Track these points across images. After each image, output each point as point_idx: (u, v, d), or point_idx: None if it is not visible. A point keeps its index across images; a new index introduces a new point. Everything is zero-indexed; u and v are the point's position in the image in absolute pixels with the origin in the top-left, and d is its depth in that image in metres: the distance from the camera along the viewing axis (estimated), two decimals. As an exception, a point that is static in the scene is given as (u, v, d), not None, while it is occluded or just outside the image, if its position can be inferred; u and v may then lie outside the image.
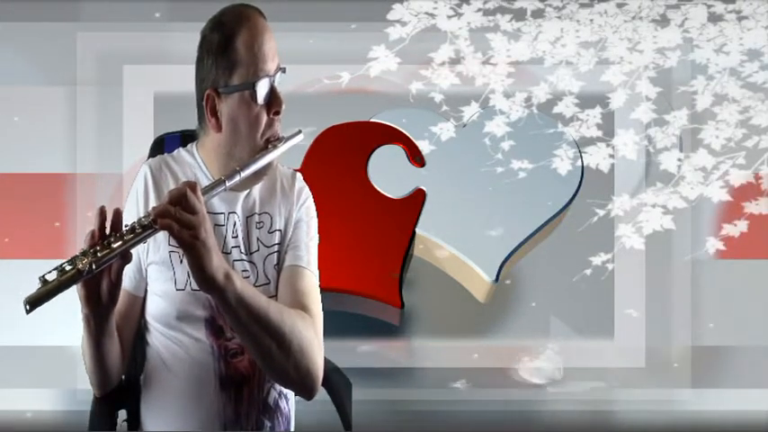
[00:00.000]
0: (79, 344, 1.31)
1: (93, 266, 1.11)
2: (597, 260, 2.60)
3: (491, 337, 2.65)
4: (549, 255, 2.64)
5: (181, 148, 1.45)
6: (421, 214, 2.57)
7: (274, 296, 1.36)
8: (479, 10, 2.77)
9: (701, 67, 2.74)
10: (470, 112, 2.72)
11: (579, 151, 2.67)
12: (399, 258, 2.50)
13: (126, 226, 1.15)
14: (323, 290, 1.41)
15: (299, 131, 1.41)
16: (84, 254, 1.11)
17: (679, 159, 2.68)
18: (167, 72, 2.57)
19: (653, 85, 2.72)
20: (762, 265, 2.65)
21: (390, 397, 2.56)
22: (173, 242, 1.31)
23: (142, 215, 1.29)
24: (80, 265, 1.10)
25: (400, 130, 2.67)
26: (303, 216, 1.42)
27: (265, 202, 1.41)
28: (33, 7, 2.70)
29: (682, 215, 2.64)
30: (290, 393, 1.43)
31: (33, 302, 1.08)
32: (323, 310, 1.38)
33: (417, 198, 2.59)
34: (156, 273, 1.35)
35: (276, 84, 1.34)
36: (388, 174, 2.63)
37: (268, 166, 1.35)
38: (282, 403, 1.42)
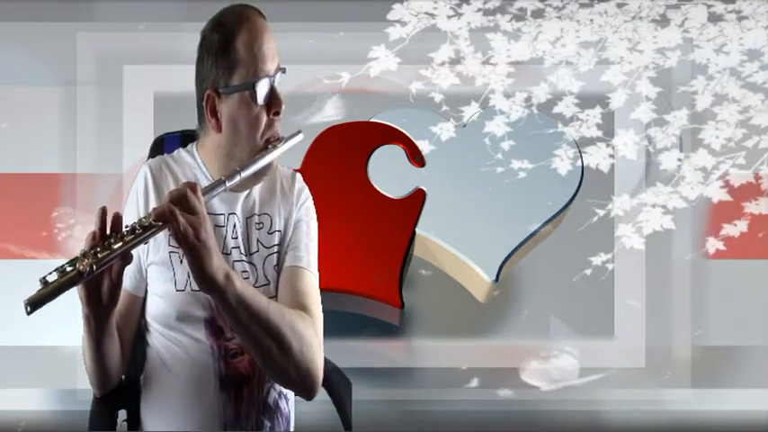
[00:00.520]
0: (79, 344, 1.31)
1: (94, 267, 1.11)
2: (597, 260, 2.60)
3: (491, 337, 2.65)
4: (549, 255, 2.64)
5: (181, 149, 1.45)
6: (421, 214, 2.57)
7: (274, 297, 1.36)
8: (479, 10, 2.77)
9: (701, 67, 2.73)
10: (470, 112, 2.71)
11: (579, 151, 2.66)
12: (399, 258, 2.50)
13: (126, 227, 1.15)
14: (323, 290, 1.41)
15: (299, 132, 1.41)
16: (84, 255, 1.12)
17: (679, 159, 2.68)
18: (167, 72, 2.57)
19: (653, 85, 2.72)
20: (762, 265, 2.65)
21: (390, 397, 2.56)
22: (173, 243, 1.31)
23: (142, 216, 1.29)
24: (81, 267, 1.10)
25: (400, 130, 2.67)
26: (303, 217, 1.43)
27: (265, 202, 1.41)
28: (33, 7, 2.70)
29: (682, 215, 2.64)
30: (290, 393, 1.44)
31: (34, 304, 1.08)
32: (323, 310, 1.38)
33: (417, 198, 2.59)
34: (156, 273, 1.36)
35: (276, 84, 1.34)
36: (388, 174, 2.63)
37: (268, 166, 1.35)
38: (282, 403, 1.42)
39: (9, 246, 2.62)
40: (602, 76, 2.74)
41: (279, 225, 1.40)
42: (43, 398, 2.52)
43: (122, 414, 1.45)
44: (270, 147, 1.35)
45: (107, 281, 1.17)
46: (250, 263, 1.37)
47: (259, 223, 1.40)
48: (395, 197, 2.60)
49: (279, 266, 1.39)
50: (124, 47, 2.72)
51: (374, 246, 2.52)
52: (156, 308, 1.37)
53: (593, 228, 2.62)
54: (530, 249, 2.60)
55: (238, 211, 1.39)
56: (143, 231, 1.14)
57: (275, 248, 1.39)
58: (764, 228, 2.64)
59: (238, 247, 1.37)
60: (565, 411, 2.58)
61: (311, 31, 2.71)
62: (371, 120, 2.69)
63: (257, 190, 1.41)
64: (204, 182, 1.37)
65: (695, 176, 2.66)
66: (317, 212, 1.47)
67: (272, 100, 1.33)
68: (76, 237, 2.60)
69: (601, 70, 2.74)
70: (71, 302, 1.18)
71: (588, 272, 2.60)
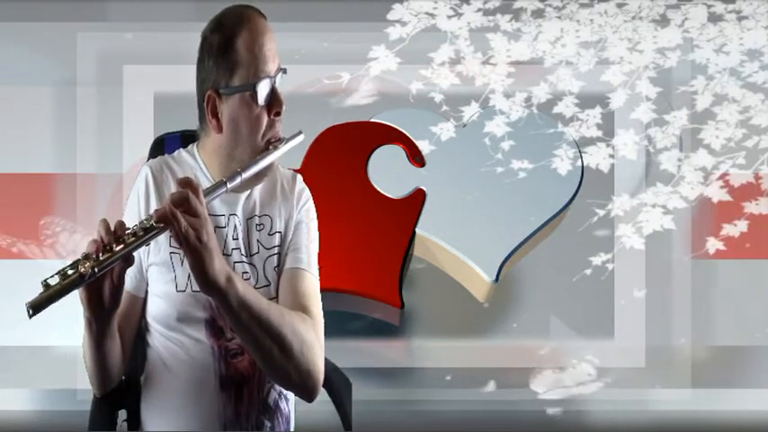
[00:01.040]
0: (79, 344, 1.31)
1: (96, 270, 1.11)
2: (597, 260, 2.60)
3: (491, 337, 2.65)
4: (549, 255, 2.64)
5: (181, 149, 1.44)
6: (421, 214, 2.57)
7: (275, 298, 1.36)
8: (479, 10, 2.77)
9: (701, 67, 2.74)
10: (470, 112, 2.72)
11: (579, 151, 2.67)
12: (399, 258, 2.50)
13: (128, 229, 1.15)
14: (323, 290, 1.41)
15: (300, 132, 1.41)
16: (86, 258, 1.11)
17: (679, 159, 2.68)
18: (167, 72, 2.57)
19: (653, 85, 2.72)
20: (762, 265, 2.65)
21: (390, 397, 2.56)
22: (174, 243, 1.31)
23: (143, 217, 1.29)
24: (82, 269, 1.10)
25: (400, 130, 2.67)
26: (303, 218, 1.42)
27: (266, 204, 1.41)
28: (33, 7, 2.70)
29: (682, 215, 2.64)
30: (291, 394, 1.43)
31: (36, 307, 1.07)
32: (323, 310, 1.38)
33: (417, 198, 2.59)
34: (156, 274, 1.35)
35: (277, 85, 1.34)
36: (388, 174, 2.63)
37: (269, 167, 1.35)
38: (282, 403, 1.42)
39: (9, 246, 2.62)
40: (602, 76, 2.74)
41: (279, 226, 1.40)
42: (43, 398, 2.52)
43: (122, 414, 1.44)
44: (271, 147, 1.35)
45: (109, 283, 1.17)
46: (251, 264, 1.37)
47: (260, 224, 1.40)
48: (395, 197, 2.60)
49: (279, 268, 1.39)
50: (124, 47, 2.72)
51: (374, 246, 2.52)
52: (156, 308, 1.37)
53: (593, 228, 2.62)
54: (530, 249, 2.61)
55: (239, 212, 1.39)
56: (144, 234, 1.14)
57: (276, 250, 1.39)
58: (764, 228, 2.64)
59: (239, 249, 1.37)
60: (565, 411, 2.58)
61: (311, 31, 2.71)
62: (371, 120, 2.70)
63: (258, 191, 1.41)
64: (205, 182, 1.37)
65: (695, 176, 2.66)
66: (317, 212, 1.47)
67: (273, 100, 1.33)
68: (76, 237, 2.59)
69: (601, 70, 2.74)
70: (71, 303, 1.18)
71: (588, 272, 2.60)
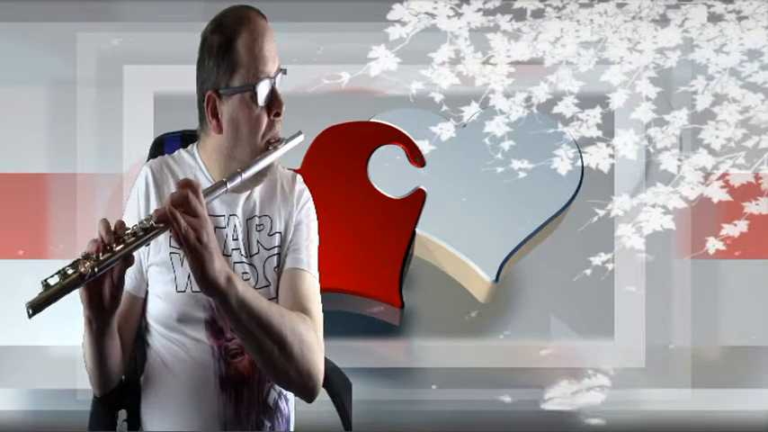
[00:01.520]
0: (79, 344, 1.31)
1: (96, 270, 1.11)
2: (597, 260, 2.60)
3: (491, 337, 2.65)
4: (549, 255, 2.64)
5: (182, 149, 1.44)
6: (421, 214, 2.57)
7: (275, 298, 1.36)
8: (479, 10, 2.77)
9: (701, 67, 2.74)
10: (470, 112, 2.72)
11: (579, 151, 2.67)
12: (399, 258, 2.50)
13: (128, 229, 1.15)
14: (323, 290, 1.41)
15: (300, 133, 1.41)
16: (86, 257, 1.11)
17: (679, 159, 2.68)
18: (167, 72, 2.57)
19: (653, 85, 2.72)
20: (762, 265, 2.65)
21: (390, 397, 2.56)
22: (174, 244, 1.31)
23: (143, 216, 1.29)
24: (82, 269, 1.10)
25: (400, 130, 2.67)
26: (303, 218, 1.42)
27: (265, 204, 1.41)
28: (33, 7, 2.70)
29: (682, 215, 2.64)
30: (291, 394, 1.44)
31: (36, 306, 1.08)
32: (323, 310, 1.38)
33: (417, 198, 2.59)
34: (156, 274, 1.35)
35: (277, 85, 1.34)
36: (388, 174, 2.63)
37: (269, 167, 1.35)
38: (282, 404, 1.42)
39: (9, 246, 2.62)
40: (602, 76, 2.74)
41: (279, 227, 1.40)
42: (43, 398, 2.52)
43: (122, 414, 1.44)
44: (271, 148, 1.35)
45: (109, 283, 1.17)
46: (250, 264, 1.37)
47: (260, 225, 1.40)
48: (395, 197, 2.60)
49: (279, 268, 1.39)
50: (124, 47, 2.72)
51: (374, 246, 2.52)
52: (156, 309, 1.37)
53: (593, 228, 2.62)
54: (530, 249, 2.60)
55: (239, 212, 1.39)
56: (144, 234, 1.14)
57: (275, 250, 1.39)
58: (765, 228, 2.64)
59: (239, 249, 1.37)
60: (565, 411, 2.58)
61: (311, 31, 2.71)
62: (371, 120, 2.70)
63: (258, 191, 1.41)
64: (205, 182, 1.37)
65: (695, 176, 2.66)
66: (317, 212, 1.47)
67: (273, 101, 1.33)
68: (76, 237, 2.59)
69: (601, 70, 2.74)
70: (71, 303, 1.18)
71: (588, 272, 2.60)
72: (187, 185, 1.16)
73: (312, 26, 2.72)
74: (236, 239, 1.37)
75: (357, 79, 2.73)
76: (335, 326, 1.53)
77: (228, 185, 1.26)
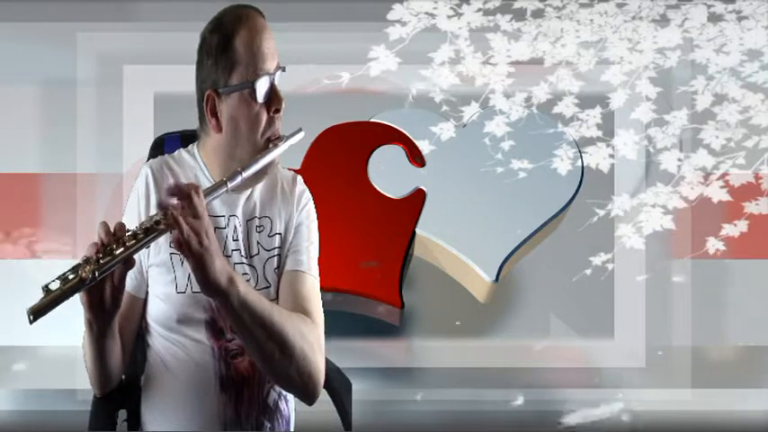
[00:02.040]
0: (79, 344, 1.31)
1: (96, 274, 1.11)
2: (597, 260, 2.60)
3: (491, 337, 2.65)
4: (549, 255, 2.64)
5: (182, 149, 1.44)
6: (421, 214, 2.57)
7: (275, 299, 1.36)
8: (479, 10, 2.77)
9: (701, 67, 2.74)
10: (470, 112, 2.72)
11: (579, 151, 2.67)
12: (399, 258, 2.50)
13: (128, 231, 1.15)
14: (323, 290, 1.41)
15: (300, 130, 1.40)
16: (86, 261, 1.11)
17: (679, 159, 2.68)
18: (167, 72, 2.57)
19: (653, 85, 2.72)
20: (762, 265, 2.65)
21: (390, 397, 2.56)
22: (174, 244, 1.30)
23: (143, 216, 1.29)
24: (83, 274, 1.10)
25: (400, 130, 2.67)
26: (303, 220, 1.42)
27: (266, 205, 1.41)
28: (33, 7, 2.70)
29: (682, 215, 2.64)
30: (290, 394, 1.43)
31: (37, 312, 1.07)
32: (323, 310, 1.38)
33: (417, 198, 2.59)
34: (156, 275, 1.35)
35: (276, 82, 1.34)
36: (388, 174, 2.63)
37: (270, 165, 1.34)
38: (282, 404, 1.42)
39: (8, 246, 2.62)
40: (602, 76, 2.74)
41: (279, 228, 1.40)
42: (43, 398, 2.52)
43: (122, 414, 1.44)
44: (271, 145, 1.34)
45: (109, 286, 1.17)
46: (250, 266, 1.37)
47: (260, 226, 1.39)
48: (395, 197, 2.60)
49: (279, 269, 1.39)
50: (124, 47, 2.72)
51: (374, 246, 2.52)
52: (156, 310, 1.37)
53: (593, 228, 2.62)
54: (530, 249, 2.60)
55: (239, 213, 1.38)
56: (145, 236, 1.14)
57: (276, 251, 1.39)
58: (765, 228, 2.64)
59: (239, 250, 1.37)
60: (565, 411, 2.58)
61: (311, 31, 2.71)
62: (371, 120, 2.70)
63: (258, 192, 1.41)
64: (205, 182, 1.37)
65: (695, 176, 2.66)
66: (317, 212, 1.47)
67: (272, 98, 1.33)
68: (76, 237, 2.59)
69: (601, 70, 2.74)
70: (71, 303, 1.18)
71: (588, 272, 2.60)
72: (188, 186, 1.16)
73: (312, 26, 2.72)
74: (237, 240, 1.37)
75: (357, 79, 2.72)
76: (335, 326, 1.53)
77: (229, 185, 1.26)
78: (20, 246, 2.62)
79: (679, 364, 2.61)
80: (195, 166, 1.40)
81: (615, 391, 2.60)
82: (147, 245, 1.15)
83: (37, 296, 1.09)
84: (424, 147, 2.66)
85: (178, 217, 1.13)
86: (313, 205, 1.46)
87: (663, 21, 2.77)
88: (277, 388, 1.40)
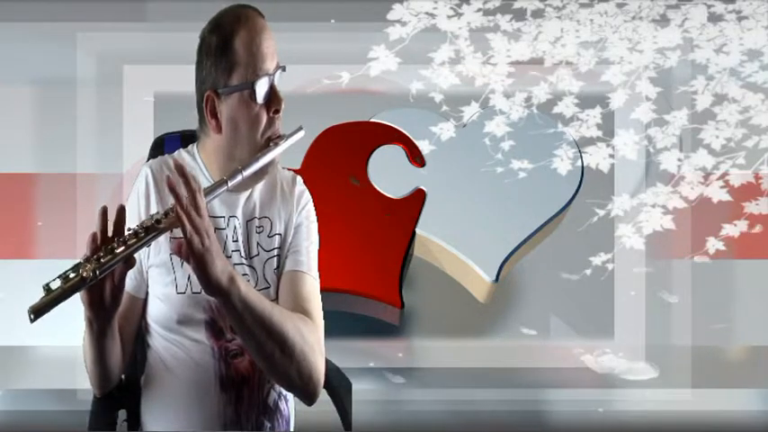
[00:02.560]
0: (79, 344, 1.31)
1: (97, 273, 1.11)
2: (597, 260, 2.60)
3: (491, 337, 2.65)
4: (549, 255, 2.64)
5: (182, 149, 1.44)
6: (421, 214, 2.57)
7: (275, 300, 1.36)
8: (479, 10, 2.77)
9: (701, 67, 2.74)
10: (470, 112, 2.72)
11: (579, 151, 2.67)
12: (399, 258, 2.50)
13: (129, 230, 1.15)
14: (323, 290, 1.41)
15: (300, 128, 1.40)
16: (87, 260, 1.11)
17: (679, 159, 2.68)
18: (167, 72, 2.57)
19: (653, 85, 2.72)
20: (762, 265, 2.65)
21: (390, 397, 2.56)
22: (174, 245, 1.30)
23: (143, 217, 1.29)
24: (83, 273, 1.10)
25: (400, 130, 2.67)
26: (303, 220, 1.42)
27: (265, 206, 1.41)
28: (33, 7, 2.70)
29: (682, 215, 2.64)
30: (290, 394, 1.43)
31: (37, 311, 1.08)
32: (323, 310, 1.38)
33: (417, 198, 2.59)
34: (156, 276, 1.35)
35: (276, 82, 1.33)
36: (388, 174, 2.63)
37: (270, 164, 1.34)
38: (282, 404, 1.42)
39: (8, 246, 2.62)
40: (603, 76, 2.74)
41: (279, 228, 1.40)
42: (43, 398, 2.52)
43: (122, 414, 1.44)
44: (272, 144, 1.34)
45: (110, 285, 1.17)
46: (250, 266, 1.37)
47: (259, 227, 1.39)
48: (395, 197, 2.60)
49: (279, 270, 1.39)
50: (124, 47, 2.72)
51: (374, 246, 2.52)
52: (156, 310, 1.37)
53: (593, 228, 2.62)
54: (530, 249, 2.60)
55: (239, 214, 1.38)
56: (145, 234, 1.14)
57: (275, 252, 1.39)
58: (764, 228, 2.64)
59: (239, 251, 1.37)
60: (565, 411, 2.58)
61: (311, 31, 2.71)
62: (371, 120, 2.70)
63: (258, 193, 1.41)
64: (205, 183, 1.36)
65: (695, 176, 2.66)
66: (317, 212, 1.47)
67: (272, 98, 1.33)
68: (77, 237, 2.59)
69: (601, 70, 2.74)
70: (71, 303, 1.18)
71: (588, 272, 2.60)
72: (182, 175, 1.16)
73: (312, 26, 2.72)
74: (236, 241, 1.37)
75: (357, 79, 2.73)
76: (335, 326, 1.53)
77: (229, 183, 1.26)
78: (20, 246, 2.62)
79: (679, 364, 2.61)
80: (195, 166, 1.40)
81: (615, 391, 2.60)
82: (147, 243, 1.15)
83: (37, 296, 1.09)
84: (424, 147, 2.66)
85: (182, 215, 1.13)
86: (312, 206, 1.46)
87: (663, 21, 2.77)
88: (277, 388, 1.40)
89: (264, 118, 1.33)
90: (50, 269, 1.12)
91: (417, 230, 2.55)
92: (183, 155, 1.43)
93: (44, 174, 2.66)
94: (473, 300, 2.56)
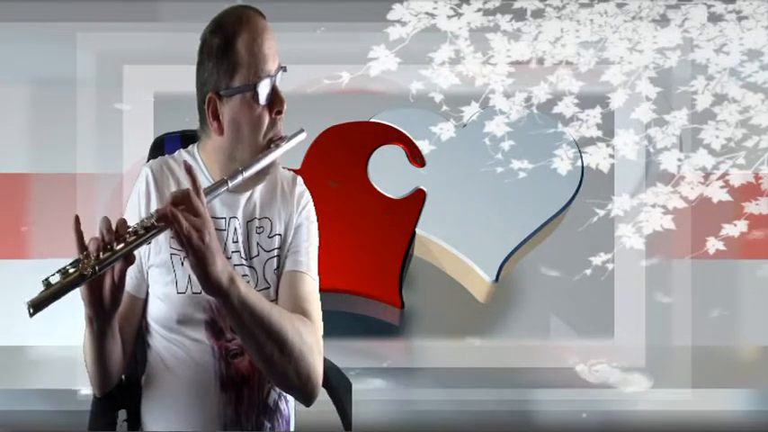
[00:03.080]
0: (79, 344, 1.31)
1: (97, 269, 1.11)
2: (597, 260, 2.60)
3: (491, 337, 2.65)
4: (549, 255, 2.64)
5: (182, 150, 1.44)
6: (421, 214, 2.57)
7: (274, 300, 1.36)
8: (479, 10, 2.77)
9: (701, 67, 2.74)
10: (470, 112, 2.72)
11: (579, 151, 2.67)
12: (399, 258, 2.50)
13: (129, 227, 1.15)
14: (323, 290, 1.41)
15: (302, 130, 1.40)
16: (87, 256, 1.11)
17: (679, 159, 2.68)
18: (167, 72, 2.57)
19: (653, 85, 2.72)
20: (762, 265, 2.65)
21: (390, 397, 2.56)
22: (174, 245, 1.30)
23: (144, 217, 1.29)
24: (83, 268, 1.10)
25: (400, 130, 2.67)
26: (303, 221, 1.42)
27: (265, 206, 1.41)
28: (33, 7, 2.70)
29: (682, 215, 2.64)
30: (290, 394, 1.44)
31: (37, 305, 1.08)
32: (323, 310, 1.38)
33: (417, 198, 2.59)
34: (156, 275, 1.35)
35: (277, 83, 1.33)
36: (388, 174, 2.63)
37: (271, 165, 1.34)
38: (282, 404, 1.42)
39: (8, 245, 2.62)
40: (602, 76, 2.74)
41: (279, 229, 1.40)
42: (43, 398, 2.52)
43: (122, 414, 1.45)
44: (273, 146, 1.34)
45: (109, 282, 1.17)
46: (250, 267, 1.37)
47: (259, 227, 1.39)
48: (395, 197, 2.60)
49: (279, 270, 1.39)
50: (124, 47, 2.72)
51: (374, 246, 2.52)
52: (157, 310, 1.37)
53: (593, 228, 2.62)
54: (530, 249, 2.60)
55: (239, 214, 1.38)
56: (145, 232, 1.14)
57: (275, 252, 1.39)
58: (765, 228, 2.64)
59: (239, 251, 1.37)
60: (565, 411, 2.58)
61: (311, 31, 2.71)
62: (371, 120, 2.70)
63: (258, 193, 1.41)
64: (205, 183, 1.36)
65: (695, 176, 2.66)
66: (317, 212, 1.47)
67: (274, 99, 1.33)
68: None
69: (601, 70, 2.74)
70: (71, 302, 1.18)
71: (588, 272, 2.60)
72: (188, 172, 1.16)
73: (312, 26, 2.72)
74: (237, 242, 1.37)
75: (357, 79, 2.73)
76: (335, 326, 1.53)
77: (230, 184, 1.26)
78: (20, 246, 2.62)
79: (679, 364, 2.61)
80: (195, 166, 1.40)
81: (615, 391, 2.60)
82: (147, 241, 1.15)
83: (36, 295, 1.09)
84: (424, 147, 2.66)
85: (177, 213, 1.13)
86: (313, 206, 1.46)
87: (663, 21, 2.77)
88: (277, 388, 1.40)
89: (267, 119, 1.33)
90: (50, 269, 1.12)
91: (417, 230, 2.55)
92: (183, 155, 1.43)
93: (44, 174, 2.66)
94: (473, 300, 2.56)
